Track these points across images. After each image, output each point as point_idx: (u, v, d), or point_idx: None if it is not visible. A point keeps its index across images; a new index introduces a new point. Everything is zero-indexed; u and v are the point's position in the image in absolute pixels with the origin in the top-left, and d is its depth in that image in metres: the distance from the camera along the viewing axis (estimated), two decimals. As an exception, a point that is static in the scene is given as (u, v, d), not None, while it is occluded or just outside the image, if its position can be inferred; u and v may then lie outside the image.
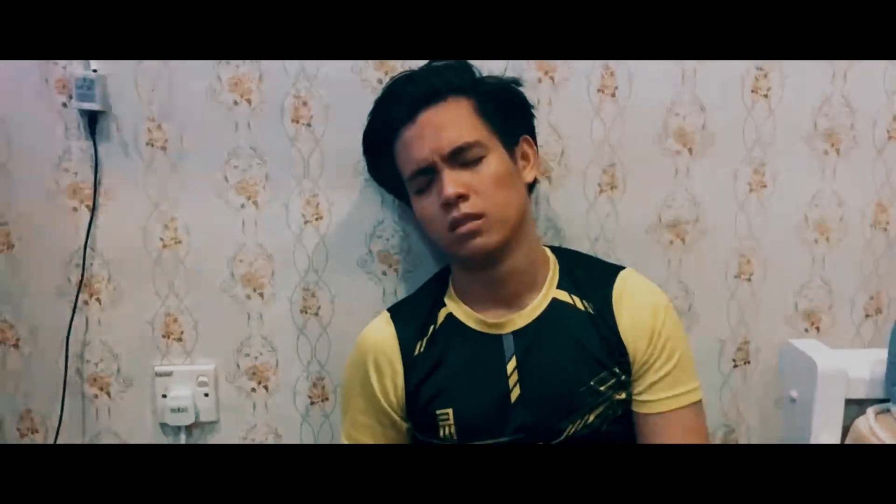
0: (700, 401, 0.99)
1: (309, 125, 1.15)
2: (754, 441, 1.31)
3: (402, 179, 1.00)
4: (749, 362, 1.29)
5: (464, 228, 0.93)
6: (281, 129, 1.15)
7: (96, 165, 1.13)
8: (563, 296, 1.01)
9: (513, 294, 1.00)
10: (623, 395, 0.99)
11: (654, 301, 1.02)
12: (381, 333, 1.03)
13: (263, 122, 1.14)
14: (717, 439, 1.31)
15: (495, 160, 0.95)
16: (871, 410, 1.03)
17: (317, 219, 1.18)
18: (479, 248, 0.94)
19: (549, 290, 1.01)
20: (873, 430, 0.98)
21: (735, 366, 1.29)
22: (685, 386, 0.98)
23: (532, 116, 1.06)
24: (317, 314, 1.21)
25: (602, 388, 0.98)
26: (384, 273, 1.21)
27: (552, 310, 1.01)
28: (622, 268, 1.05)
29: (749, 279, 1.26)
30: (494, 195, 0.93)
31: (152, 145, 1.14)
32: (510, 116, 1.00)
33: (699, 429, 0.98)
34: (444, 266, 1.11)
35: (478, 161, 0.94)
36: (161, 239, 1.17)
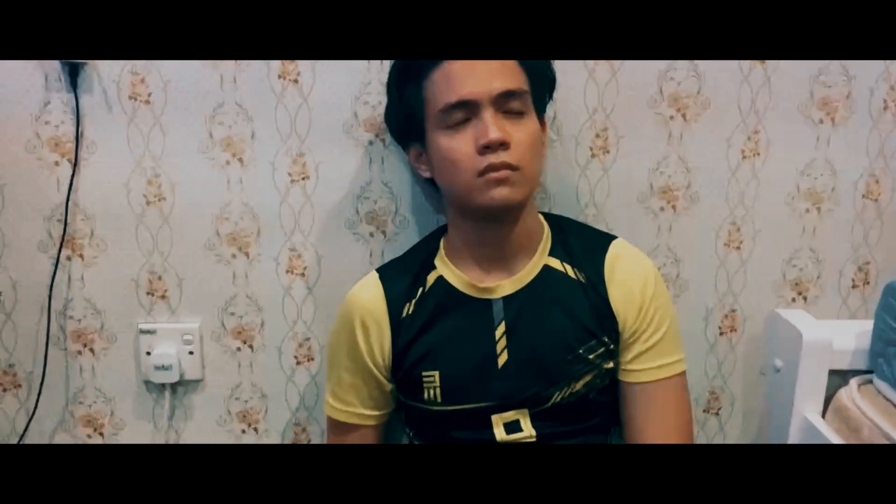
0: (684, 372, 1.00)
1: (296, 81, 1.12)
2: (737, 409, 1.32)
3: (417, 115, 0.95)
4: (735, 330, 1.29)
5: (498, 175, 0.90)
6: (267, 85, 1.12)
7: (78, 119, 1.11)
8: (555, 263, 1.01)
9: (507, 258, 1.00)
10: (611, 364, 0.99)
11: (645, 272, 1.02)
12: (369, 293, 1.02)
13: (250, 77, 1.12)
14: (701, 406, 1.32)
15: (531, 120, 0.94)
16: (853, 382, 1.03)
17: (303, 178, 1.16)
18: (505, 199, 0.91)
19: (541, 257, 1.00)
20: (855, 401, 0.99)
21: (721, 333, 1.29)
22: (671, 357, 0.99)
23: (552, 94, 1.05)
24: (303, 275, 1.20)
25: (590, 357, 0.98)
26: (371, 234, 1.19)
27: (543, 277, 1.00)
28: (614, 237, 1.05)
29: (738, 248, 1.26)
30: (529, 152, 0.92)
31: (136, 99, 1.12)
32: (544, 84, 1.00)
33: (682, 400, 0.99)
34: (436, 228, 1.10)
35: (519, 115, 0.92)
36: (145, 195, 1.15)
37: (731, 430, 1.34)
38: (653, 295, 1.00)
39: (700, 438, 1.35)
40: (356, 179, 1.17)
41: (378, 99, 1.13)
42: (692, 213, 1.23)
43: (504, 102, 0.90)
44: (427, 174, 1.00)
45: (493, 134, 0.88)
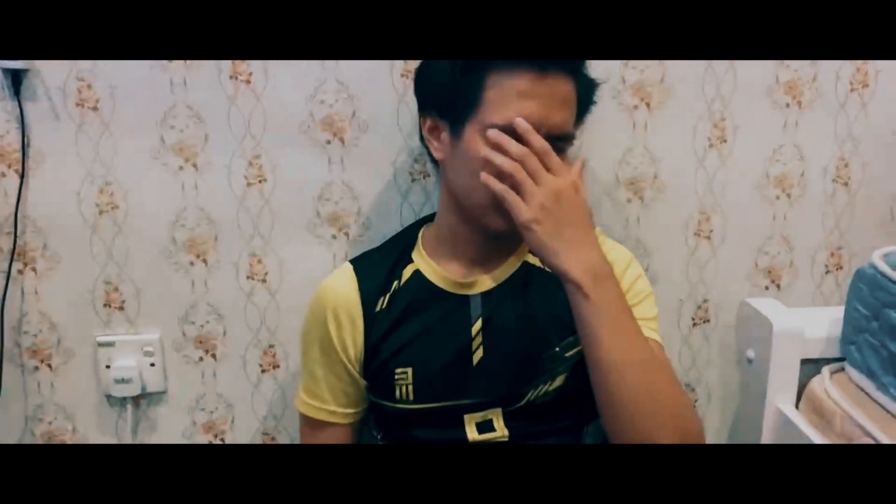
0: (661, 345, 0.95)
1: (248, 82, 1.09)
2: (713, 400, 1.30)
3: (463, 98, 0.88)
4: (708, 321, 1.28)
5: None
6: (219, 87, 1.09)
7: (23, 128, 1.07)
8: (535, 259, 0.98)
9: (489, 255, 0.97)
10: None
11: (626, 258, 1.00)
12: (342, 285, 0.99)
13: (200, 79, 1.08)
14: (677, 399, 1.30)
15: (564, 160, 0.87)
16: (826, 370, 1.01)
17: (260, 181, 1.13)
18: (511, 229, 0.88)
19: (521, 253, 0.98)
20: (827, 391, 0.97)
21: (694, 324, 1.27)
22: (651, 322, 0.95)
23: None
24: (264, 280, 1.17)
25: (567, 355, 0.95)
26: (334, 237, 1.16)
27: (522, 273, 0.98)
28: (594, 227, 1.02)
29: (708, 237, 1.24)
30: None
31: (83, 105, 1.08)
32: (584, 115, 0.95)
33: (662, 359, 0.92)
34: (414, 221, 1.07)
35: (560, 151, 0.88)
36: (97, 204, 1.12)
37: (708, 421, 1.32)
38: (635, 276, 0.98)
39: (677, 431, 1.32)
40: (315, 180, 1.14)
41: (335, 97, 1.10)
42: (660, 204, 1.21)
43: (556, 143, 0.86)
44: (438, 154, 0.94)
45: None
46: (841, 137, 1.22)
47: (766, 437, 1.05)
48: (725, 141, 1.19)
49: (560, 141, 0.87)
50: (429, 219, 1.05)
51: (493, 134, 0.84)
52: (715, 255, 1.24)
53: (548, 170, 0.83)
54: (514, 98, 0.85)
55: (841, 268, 1.27)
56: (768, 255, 1.25)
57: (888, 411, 0.89)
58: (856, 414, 0.91)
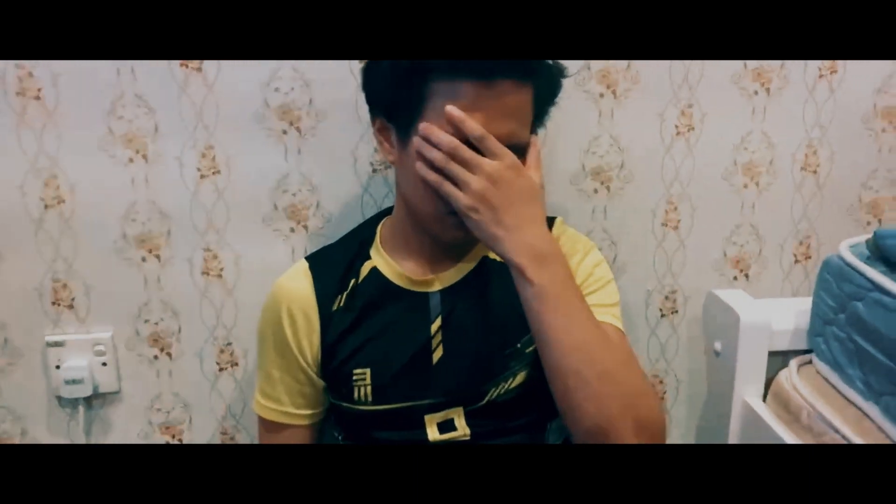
0: (621, 331, 0.92)
1: (199, 70, 1.04)
2: (682, 391, 1.29)
3: (408, 105, 0.84)
4: (677, 312, 1.26)
5: (460, 222, 0.84)
6: (169, 75, 1.04)
7: (-40, 119, 1.02)
8: (495, 254, 0.95)
9: (448, 252, 0.94)
10: None
11: (587, 246, 0.98)
12: (297, 283, 0.95)
13: (149, 67, 1.03)
14: (645, 391, 1.29)
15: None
16: (793, 363, 1.00)
17: (214, 172, 1.09)
18: (464, 239, 0.87)
19: (481, 248, 0.95)
20: (794, 384, 0.95)
21: (662, 315, 1.26)
22: (612, 309, 0.92)
23: None
24: (220, 276, 1.13)
25: (528, 350, 0.93)
26: (292, 230, 1.13)
27: (482, 268, 0.95)
28: (554, 217, 1.00)
29: (676, 227, 1.22)
30: None
31: (24, 95, 1.03)
32: (546, 112, 0.91)
33: (617, 343, 0.88)
34: (373, 215, 1.04)
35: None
36: (42, 198, 1.07)
37: (677, 412, 1.31)
38: (594, 263, 0.95)
39: (646, 423, 1.31)
40: (272, 172, 1.10)
41: (290, 85, 1.06)
42: (627, 194, 1.19)
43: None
44: (389, 157, 0.90)
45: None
46: (809, 124, 1.20)
47: (734, 431, 1.04)
48: (693, 129, 1.17)
49: (511, 150, 0.82)
50: (388, 211, 1.02)
51: (423, 126, 0.81)
52: (682, 246, 1.22)
53: (487, 154, 0.80)
54: (456, 104, 0.80)
55: (809, 257, 1.26)
56: (736, 244, 1.24)
57: (855, 405, 0.88)
58: (822, 408, 0.90)
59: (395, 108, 0.86)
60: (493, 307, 0.94)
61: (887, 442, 0.81)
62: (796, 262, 1.26)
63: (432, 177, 0.81)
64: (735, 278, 1.25)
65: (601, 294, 0.94)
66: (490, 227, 0.80)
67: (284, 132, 1.08)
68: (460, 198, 0.80)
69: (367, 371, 0.93)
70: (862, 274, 0.88)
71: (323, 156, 1.10)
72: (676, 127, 1.17)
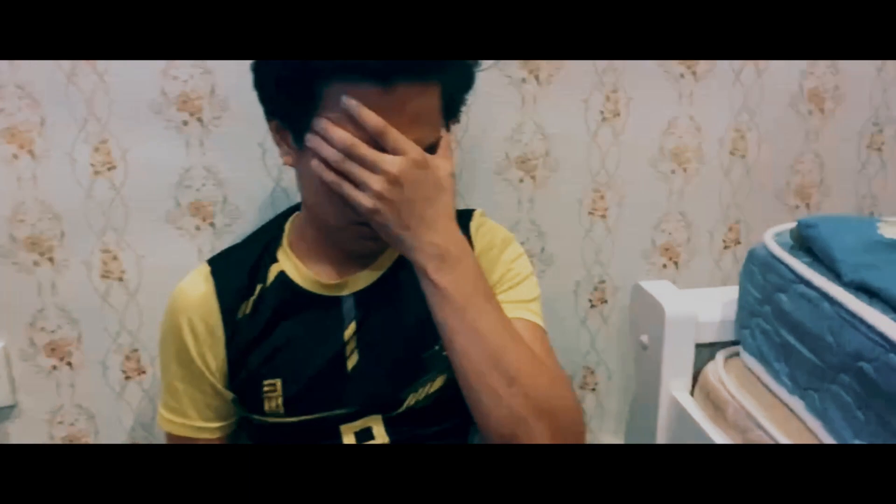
0: (540, 328, 0.89)
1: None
2: (614, 383, 1.26)
3: (300, 108, 0.77)
4: (606, 302, 1.23)
5: (370, 232, 0.79)
6: (52, 63, 0.95)
7: None
8: None
9: (364, 252, 0.89)
10: None
11: (506, 238, 0.94)
12: (198, 290, 0.88)
13: (29, 54, 0.94)
14: (577, 383, 1.26)
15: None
16: (720, 356, 0.98)
17: (109, 168, 1.01)
18: (372, 250, 0.85)
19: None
20: (721, 378, 0.93)
21: (592, 306, 1.23)
22: (531, 305, 0.88)
23: None
24: (121, 279, 1.05)
25: (447, 353, 0.88)
26: (198, 228, 1.06)
27: (398, 267, 0.90)
28: (474, 210, 0.96)
29: (604, 216, 1.18)
30: None
31: None
32: (458, 109, 0.84)
33: (544, 345, 0.85)
34: (281, 212, 0.97)
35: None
36: (-85, 200, 0.97)
37: (609, 405, 1.28)
38: (512, 258, 0.91)
39: (578, 416, 1.28)
40: (173, 166, 1.03)
41: (189, 73, 0.99)
42: (553, 183, 1.15)
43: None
44: (287, 160, 0.83)
45: None
46: (736, 109, 1.17)
47: (662, 426, 1.01)
48: (618, 114, 1.13)
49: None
50: (298, 207, 0.95)
51: (317, 123, 0.75)
52: (610, 234, 1.19)
53: (388, 150, 0.74)
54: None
55: (739, 243, 1.24)
56: (665, 232, 1.21)
57: (780, 400, 0.86)
58: (748, 403, 0.88)
59: (287, 111, 0.79)
60: (409, 309, 0.89)
61: (811, 438, 0.79)
62: (726, 247, 1.24)
63: (330, 177, 0.75)
64: (664, 266, 1.23)
65: (519, 290, 0.90)
66: (394, 229, 0.75)
67: (185, 123, 1.01)
68: (360, 200, 0.74)
69: (278, 382, 0.88)
70: (786, 265, 0.85)
71: (228, 148, 1.03)
72: (602, 113, 1.13)
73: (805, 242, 0.87)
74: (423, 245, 0.75)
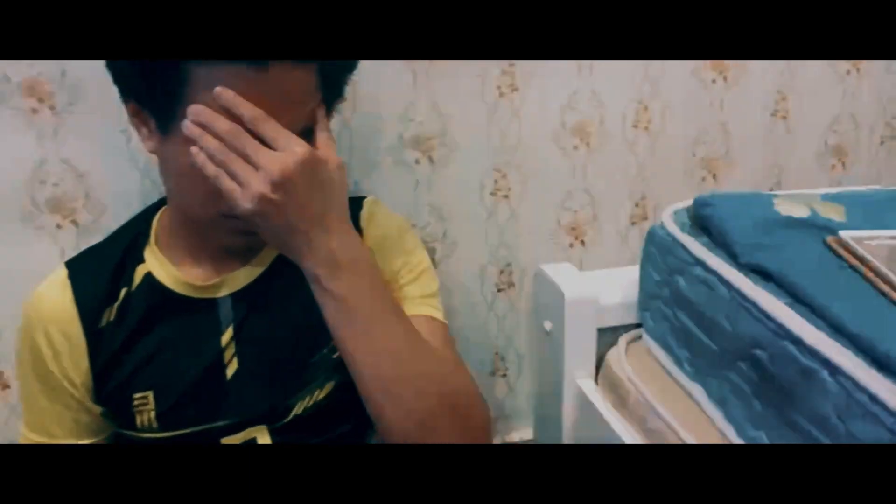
0: (442, 322, 0.84)
1: None
2: (525, 369, 1.22)
3: (163, 90, 0.69)
4: (514, 285, 1.18)
5: (244, 226, 0.71)
6: None
7: None
8: None
9: (239, 248, 0.81)
10: None
11: (401, 225, 0.88)
12: (54, 297, 0.80)
13: None
14: (487, 370, 1.22)
15: None
16: (622, 340, 0.94)
17: (-52, 165, 0.90)
18: (247, 245, 0.78)
19: None
20: (622, 364, 0.89)
21: (499, 290, 1.18)
22: (431, 299, 0.83)
23: None
24: (-28, 286, 0.95)
25: (336, 357, 0.82)
26: (58, 226, 0.96)
27: (281, 264, 0.82)
28: (364, 197, 0.89)
29: (507, 196, 1.13)
30: None
31: None
32: (341, 89, 0.78)
33: (446, 342, 0.81)
34: (147, 207, 0.88)
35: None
36: None
37: (521, 390, 1.24)
38: (409, 250, 0.85)
39: (491, 404, 1.24)
40: (25, 159, 0.92)
41: (35, 55, 0.88)
42: (452, 163, 1.09)
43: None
44: (147, 146, 0.75)
45: None
46: (638, 79, 1.13)
47: (567, 415, 0.98)
48: (517, 89, 1.08)
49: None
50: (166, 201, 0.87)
51: (195, 109, 0.67)
52: (514, 216, 1.14)
53: (271, 144, 0.67)
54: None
55: (646, 218, 1.21)
56: (570, 210, 1.17)
57: (682, 386, 0.83)
58: (648, 391, 0.84)
59: (148, 93, 0.71)
60: (294, 310, 0.81)
61: (711, 428, 0.76)
62: (633, 224, 1.21)
63: (210, 170, 0.67)
64: (571, 246, 1.18)
65: (419, 284, 0.85)
66: (280, 233, 0.68)
67: (34, 111, 0.91)
68: (241, 201, 0.67)
69: (150, 394, 0.80)
70: (683, 246, 0.82)
71: (86, 137, 0.93)
72: (499, 88, 1.07)
73: (702, 222, 0.84)
74: (315, 250, 0.69)
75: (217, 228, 0.76)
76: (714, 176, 1.21)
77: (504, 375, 1.23)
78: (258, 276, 0.82)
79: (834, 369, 0.60)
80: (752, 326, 0.70)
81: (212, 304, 0.81)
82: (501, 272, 1.17)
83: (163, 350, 0.80)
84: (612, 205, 1.18)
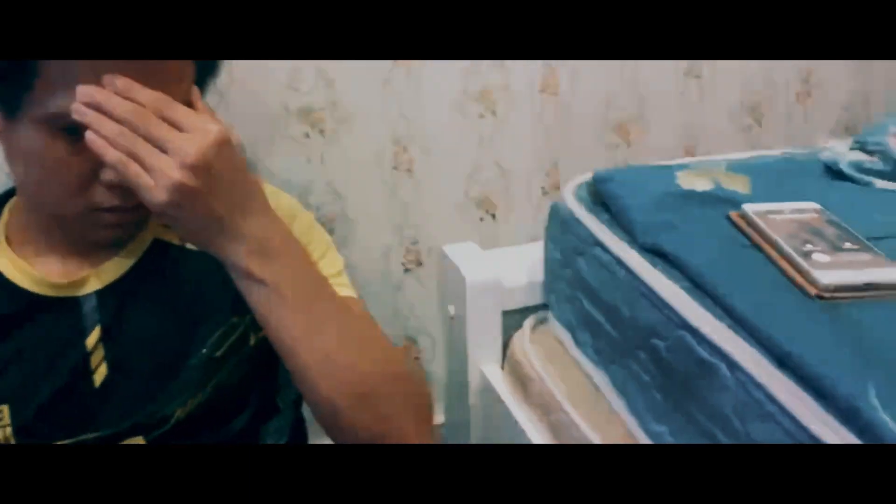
0: (359, 300, 0.78)
1: None
2: (438, 352, 1.16)
3: (14, 85, 0.62)
4: (422, 264, 1.12)
5: (115, 219, 0.65)
6: None
7: None
8: (171, 235, 0.74)
9: (107, 243, 0.72)
10: (252, 342, 0.75)
11: (292, 205, 0.79)
12: None
13: None
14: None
15: None
16: (527, 324, 0.88)
17: None
18: (116, 239, 0.69)
19: (149, 229, 0.74)
20: (525, 349, 0.84)
21: (406, 270, 1.11)
22: (335, 277, 0.77)
23: None
24: None
25: (222, 350, 0.74)
26: None
27: (153, 255, 0.73)
28: None
29: (409, 170, 1.05)
30: None
31: None
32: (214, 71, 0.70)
33: (369, 320, 0.75)
34: None
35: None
36: None
37: (436, 374, 1.19)
38: (306, 227, 0.77)
39: (404, 387, 1.18)
40: None
41: None
42: (347, 136, 1.00)
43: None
44: None
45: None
46: (545, 41, 1.05)
47: (474, 404, 0.92)
48: (413, 54, 0.99)
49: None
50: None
51: (84, 90, 0.58)
52: (419, 190, 1.07)
53: (175, 125, 0.59)
54: (71, 76, 0.58)
55: (558, 187, 1.15)
56: (478, 182, 1.10)
57: (586, 374, 0.78)
58: (552, 379, 0.79)
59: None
60: (173, 305, 0.73)
61: (615, 420, 0.72)
62: (545, 193, 1.15)
63: (111, 155, 0.58)
64: (481, 220, 1.12)
65: (326, 263, 0.77)
66: (200, 225, 0.60)
67: None
68: (152, 196, 0.58)
69: (5, 408, 0.71)
70: (582, 224, 0.76)
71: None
72: (393, 53, 0.98)
73: (601, 198, 0.78)
74: (242, 239, 0.61)
75: (82, 223, 0.67)
76: (627, 141, 1.16)
77: (417, 358, 1.17)
78: (127, 270, 0.73)
79: (732, 364, 0.55)
80: (649, 314, 0.64)
81: (74, 303, 0.72)
82: (408, 251, 1.10)
83: (19, 358, 0.71)
84: (522, 175, 1.12)
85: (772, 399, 0.52)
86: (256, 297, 0.63)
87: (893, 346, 0.53)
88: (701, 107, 1.17)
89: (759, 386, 0.53)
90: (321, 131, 0.99)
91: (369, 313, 0.76)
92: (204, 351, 0.74)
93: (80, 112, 0.59)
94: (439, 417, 1.19)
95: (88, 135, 0.59)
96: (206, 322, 0.74)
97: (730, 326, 0.58)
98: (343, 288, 0.77)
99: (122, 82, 0.58)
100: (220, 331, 0.74)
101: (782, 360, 0.53)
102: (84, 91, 0.58)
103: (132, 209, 0.65)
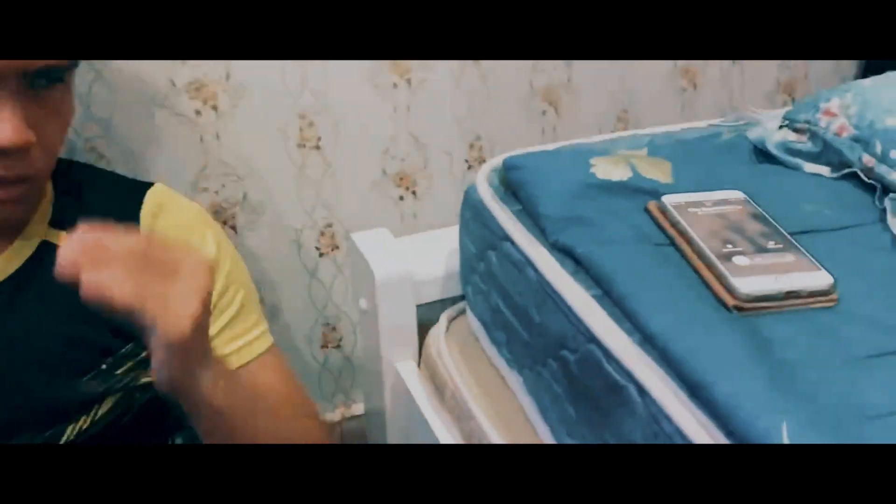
0: (275, 350, 0.73)
1: None
2: (360, 339, 1.10)
3: None
4: (338, 247, 1.04)
5: (5, 194, 0.59)
6: None
7: None
8: (61, 238, 0.66)
9: None
10: (151, 378, 0.68)
11: (201, 221, 0.72)
12: None
13: None
14: (317, 344, 1.09)
15: (68, 93, 0.61)
16: (444, 318, 0.82)
17: None
18: (6, 219, 0.62)
19: (36, 232, 0.65)
20: (439, 348, 0.77)
21: (321, 255, 1.03)
22: (259, 327, 0.71)
23: None
24: None
25: (118, 372, 0.67)
26: None
27: (39, 261, 0.65)
28: (151, 184, 0.71)
29: (318, 146, 0.97)
30: (56, 150, 0.62)
31: None
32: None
33: (286, 371, 0.72)
34: None
35: (54, 82, 0.58)
36: None
37: (358, 360, 1.12)
38: (219, 248, 0.70)
39: (327, 379, 1.12)
40: None
41: None
42: (242, 112, 0.91)
43: (39, 76, 0.56)
44: None
45: (10, 137, 0.54)
46: (462, 1, 0.96)
47: (389, 405, 0.86)
48: (313, 19, 0.89)
49: (50, 71, 0.56)
50: None
51: (66, 256, 0.49)
52: (330, 168, 0.98)
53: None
54: None
55: (484, 160, 1.07)
56: (396, 158, 1.02)
57: (499, 372, 0.72)
58: (464, 382, 0.73)
59: None
60: (62, 316, 0.65)
61: (528, 431, 0.66)
62: (470, 167, 1.07)
63: (126, 298, 0.49)
64: (401, 198, 1.04)
65: (248, 311, 0.71)
66: (193, 358, 0.53)
67: None
68: (177, 328, 0.50)
69: None
70: (493, 215, 0.68)
71: None
72: (290, 18, 0.88)
73: (511, 187, 0.70)
74: (209, 366, 0.54)
75: None
76: (555, 108, 1.08)
77: (338, 346, 1.10)
78: (7, 278, 0.65)
79: (642, 390, 0.49)
80: (558, 322, 0.58)
81: None
82: (322, 234, 1.02)
83: None
84: (443, 148, 1.04)
85: (680, 433, 0.46)
86: (203, 421, 0.58)
87: (809, 369, 0.47)
88: (633, 69, 1.09)
89: (668, 418, 0.47)
90: (214, 107, 0.90)
91: (290, 369, 0.72)
92: (104, 367, 0.67)
93: (65, 269, 0.50)
94: (359, 407, 1.13)
95: (88, 281, 0.51)
96: (99, 336, 0.68)
97: (641, 343, 0.52)
98: (264, 337, 0.71)
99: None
100: (123, 349, 0.68)
101: (694, 390, 0.47)
102: (65, 256, 0.50)
103: (23, 179, 0.57)
